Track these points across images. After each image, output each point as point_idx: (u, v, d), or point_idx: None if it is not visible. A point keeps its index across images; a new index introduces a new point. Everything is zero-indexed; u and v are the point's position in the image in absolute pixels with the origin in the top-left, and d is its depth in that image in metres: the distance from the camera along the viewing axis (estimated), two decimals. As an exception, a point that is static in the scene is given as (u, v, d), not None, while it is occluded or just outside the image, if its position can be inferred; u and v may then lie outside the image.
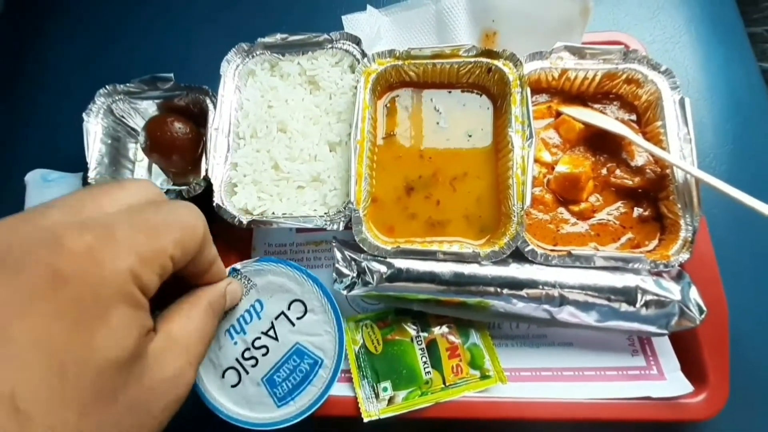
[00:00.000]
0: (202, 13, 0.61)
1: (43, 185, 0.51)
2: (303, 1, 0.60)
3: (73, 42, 0.62)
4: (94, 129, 0.48)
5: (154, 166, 0.52)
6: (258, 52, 0.49)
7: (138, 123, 0.52)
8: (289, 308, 0.37)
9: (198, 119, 0.48)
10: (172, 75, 0.48)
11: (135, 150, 0.53)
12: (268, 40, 0.49)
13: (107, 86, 0.49)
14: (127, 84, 0.49)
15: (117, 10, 0.63)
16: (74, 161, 0.47)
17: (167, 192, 0.45)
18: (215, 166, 0.45)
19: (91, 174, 0.47)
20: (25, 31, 0.64)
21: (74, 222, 0.18)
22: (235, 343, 0.36)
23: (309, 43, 0.49)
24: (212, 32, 0.59)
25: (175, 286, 0.25)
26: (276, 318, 0.37)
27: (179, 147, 0.47)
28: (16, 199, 0.51)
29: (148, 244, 0.19)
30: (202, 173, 0.45)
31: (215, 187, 0.44)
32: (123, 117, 0.51)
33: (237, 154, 0.46)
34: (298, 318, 0.37)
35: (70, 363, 0.15)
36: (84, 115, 0.48)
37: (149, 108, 0.51)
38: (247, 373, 0.36)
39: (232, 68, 0.49)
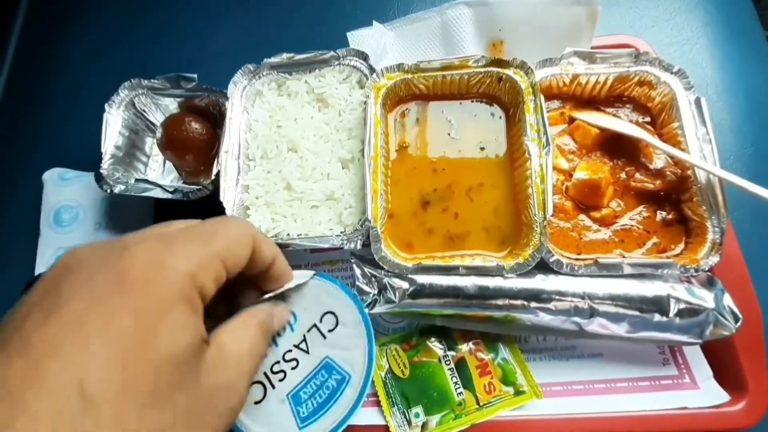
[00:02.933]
0: (230, 20, 0.62)
1: (60, 184, 0.52)
2: (306, 20, 0.60)
3: (94, 44, 0.62)
4: (114, 120, 0.49)
5: (168, 163, 0.52)
6: (264, 73, 0.49)
7: (158, 118, 0.52)
8: (321, 320, 0.36)
9: (216, 121, 0.49)
10: (195, 75, 0.49)
11: (152, 144, 0.53)
12: (274, 60, 0.49)
13: (132, 80, 0.50)
14: (152, 80, 0.50)
15: (141, 12, 0.64)
16: (91, 161, 0.47)
17: (175, 191, 0.46)
18: (227, 189, 0.44)
19: (104, 166, 0.47)
20: (47, 33, 0.64)
21: (138, 234, 0.20)
22: (265, 355, 0.35)
23: (315, 60, 0.48)
24: (236, 38, 0.60)
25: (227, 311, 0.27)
26: (308, 330, 0.36)
27: (194, 147, 0.47)
28: (33, 198, 0.52)
29: (202, 250, 0.21)
30: (212, 175, 0.45)
31: (228, 211, 0.43)
32: (144, 111, 0.52)
33: (248, 176, 0.46)
34: (329, 330, 0.35)
35: (134, 356, 0.16)
36: (106, 105, 0.48)
37: (170, 105, 0.52)
38: (274, 387, 0.35)
39: (239, 89, 0.48)
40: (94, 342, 0.16)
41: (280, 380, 0.35)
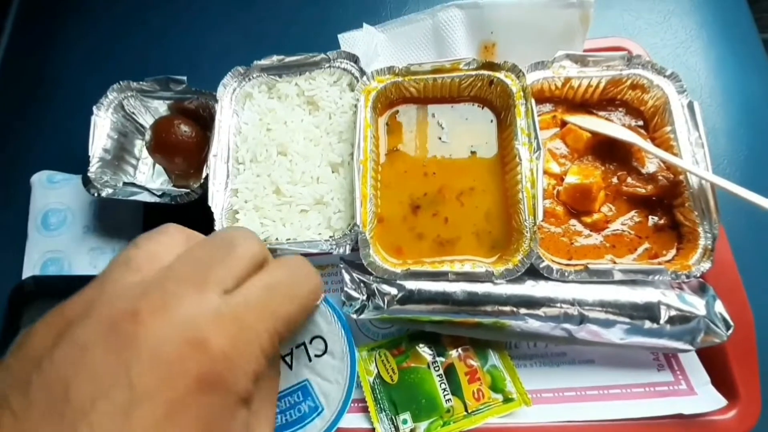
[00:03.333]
0: (220, 22, 0.62)
1: (48, 187, 0.51)
2: (297, 22, 0.60)
3: (82, 47, 0.62)
4: (102, 123, 0.48)
5: (157, 166, 0.52)
6: (254, 75, 0.49)
7: (147, 121, 0.52)
8: (311, 342, 0.35)
9: (206, 124, 0.49)
10: (185, 78, 0.48)
11: (141, 147, 0.53)
12: (264, 62, 0.48)
13: (121, 82, 0.49)
14: (141, 82, 0.49)
15: (130, 15, 0.63)
16: (80, 164, 0.47)
17: (163, 195, 0.45)
18: (215, 193, 0.44)
19: (92, 169, 0.46)
20: (36, 36, 0.64)
21: (211, 316, 0.17)
22: None
23: (306, 63, 0.48)
24: (227, 40, 0.60)
25: None
26: (297, 347, 0.35)
27: (183, 149, 0.47)
28: (21, 200, 0.51)
29: (270, 337, 0.18)
30: (202, 178, 0.44)
31: (216, 215, 0.43)
32: (133, 113, 0.51)
33: (237, 179, 0.45)
34: (316, 355, 0.35)
35: None
36: (94, 108, 0.48)
37: (160, 107, 0.52)
38: None
39: (228, 92, 0.48)
40: None
41: None
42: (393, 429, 0.37)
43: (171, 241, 0.20)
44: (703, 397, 0.37)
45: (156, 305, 0.17)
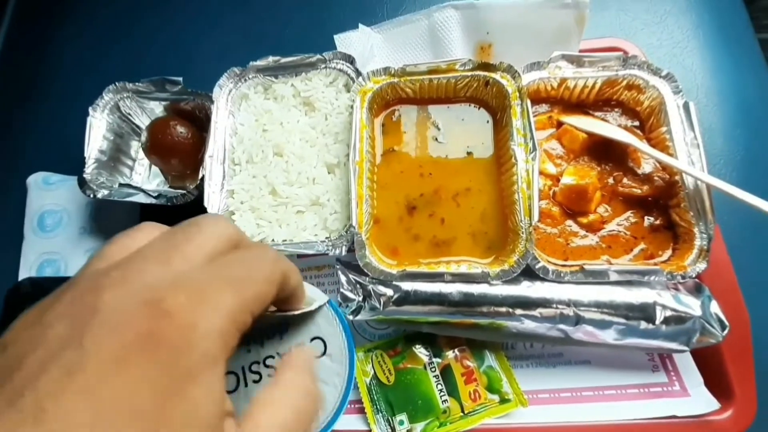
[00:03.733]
0: (217, 23, 0.61)
1: (44, 188, 0.51)
2: (293, 23, 0.60)
3: (78, 48, 0.62)
4: (98, 124, 0.48)
5: (154, 167, 0.52)
6: (250, 76, 0.48)
7: (143, 122, 0.52)
8: (310, 342, 0.35)
9: (202, 124, 0.49)
10: (181, 79, 0.48)
11: (137, 148, 0.53)
12: (260, 63, 0.48)
13: (117, 83, 0.49)
14: (137, 83, 0.49)
15: (126, 15, 0.63)
16: (76, 165, 0.47)
17: (159, 196, 0.45)
18: (211, 194, 0.44)
19: (88, 170, 0.46)
20: (33, 34, 0.64)
21: (169, 281, 0.17)
22: (249, 350, 0.34)
23: (302, 64, 0.48)
24: (223, 41, 0.60)
25: None
26: (296, 345, 0.35)
27: (179, 151, 0.47)
28: (17, 202, 0.51)
29: (235, 301, 0.18)
30: (199, 179, 0.44)
31: (212, 217, 0.43)
32: (129, 114, 0.51)
33: (233, 180, 0.45)
34: (315, 357, 0.35)
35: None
36: (90, 109, 0.48)
37: (156, 108, 0.52)
38: (246, 385, 0.34)
39: (224, 93, 0.48)
40: (111, 423, 0.14)
41: (254, 381, 0.34)
42: (389, 430, 0.37)
43: (144, 236, 0.20)
44: (696, 399, 0.37)
45: (117, 280, 0.17)
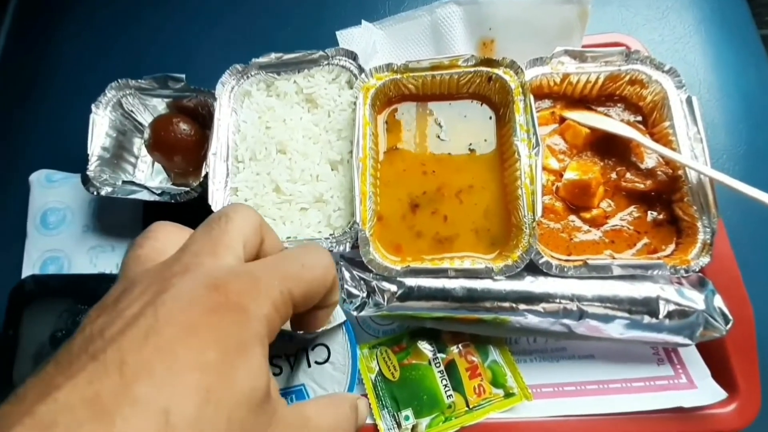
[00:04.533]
0: (219, 20, 0.61)
1: (47, 185, 0.51)
2: (295, 19, 0.60)
3: (81, 45, 0.62)
4: (101, 121, 0.48)
5: (157, 164, 0.52)
6: (253, 73, 0.48)
7: (146, 119, 0.52)
8: (313, 349, 0.35)
9: (205, 122, 0.48)
10: (183, 76, 0.48)
11: (140, 145, 0.53)
12: (262, 60, 0.48)
13: (119, 80, 0.49)
14: (139, 80, 0.49)
15: (128, 12, 0.63)
16: (79, 162, 0.47)
17: (162, 194, 0.45)
18: (215, 191, 0.44)
19: (91, 168, 0.46)
20: (35, 32, 0.64)
21: (226, 270, 0.20)
22: None
23: (304, 60, 0.48)
24: (225, 37, 0.60)
25: None
26: (301, 349, 0.35)
27: (182, 148, 0.47)
28: (20, 199, 0.51)
29: (282, 295, 0.21)
30: (202, 177, 0.44)
31: (216, 214, 0.43)
32: (132, 111, 0.51)
33: (237, 178, 0.45)
34: (317, 362, 0.35)
35: (216, 393, 0.17)
36: (92, 106, 0.48)
37: (158, 105, 0.52)
38: None
39: (227, 90, 0.48)
40: (183, 373, 0.16)
41: None
42: (395, 425, 0.37)
43: (166, 235, 0.22)
44: (704, 391, 0.37)
45: (180, 270, 0.19)
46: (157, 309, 0.17)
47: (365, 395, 0.39)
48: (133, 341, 0.16)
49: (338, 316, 0.34)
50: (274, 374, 0.34)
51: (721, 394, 0.37)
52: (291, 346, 0.35)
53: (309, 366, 0.35)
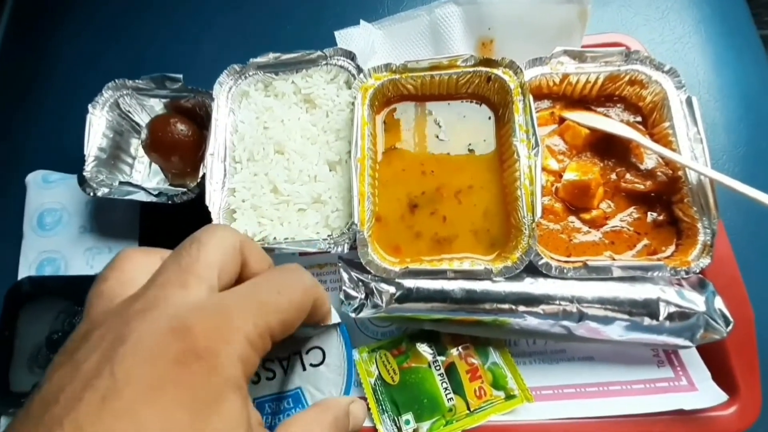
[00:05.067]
0: (217, 20, 0.61)
1: (43, 186, 0.51)
2: (293, 19, 0.59)
3: (78, 45, 0.61)
4: (98, 121, 0.48)
5: (154, 165, 0.52)
6: (251, 73, 0.48)
7: (143, 119, 0.51)
8: (307, 353, 0.35)
9: (203, 122, 0.48)
10: (181, 76, 0.48)
11: (137, 146, 0.52)
12: (260, 60, 0.48)
13: (116, 80, 0.49)
14: (137, 80, 0.49)
15: (126, 13, 0.63)
16: (75, 162, 0.47)
17: (159, 195, 0.45)
18: (212, 192, 0.43)
19: (88, 168, 0.46)
20: (32, 31, 0.63)
21: (191, 306, 0.18)
22: None
23: (303, 60, 0.48)
24: (223, 37, 0.59)
25: None
26: (294, 353, 0.35)
27: (180, 148, 0.46)
28: (16, 201, 0.51)
29: (258, 327, 0.19)
30: (199, 178, 0.44)
31: (213, 215, 0.43)
32: (129, 112, 0.51)
33: (234, 179, 0.45)
34: (312, 365, 0.34)
35: None
36: (89, 106, 0.48)
37: (156, 106, 0.51)
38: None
39: (224, 90, 0.47)
40: None
41: (254, 382, 0.34)
42: (395, 430, 0.37)
43: (134, 264, 0.21)
44: (704, 393, 0.37)
45: (141, 311, 0.17)
46: (115, 367, 0.16)
47: (364, 398, 0.39)
48: (90, 407, 0.15)
49: (333, 318, 0.34)
50: (268, 378, 0.34)
51: (722, 396, 0.37)
52: (284, 349, 0.34)
53: (304, 369, 0.34)
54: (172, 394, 0.16)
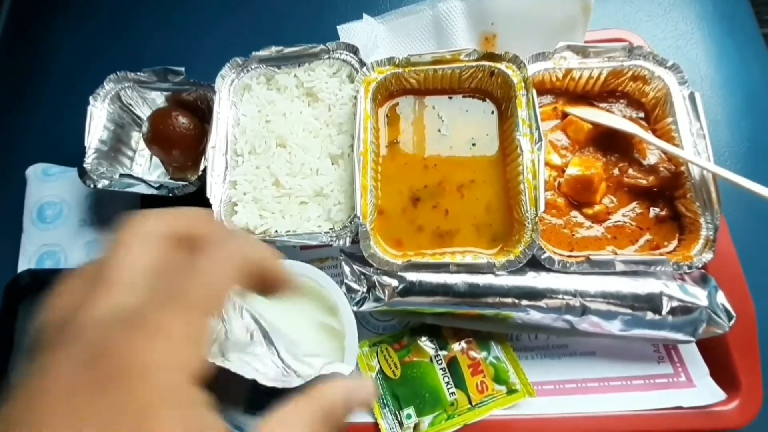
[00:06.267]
0: (219, 13, 0.61)
1: (43, 179, 0.50)
2: (296, 13, 0.59)
3: (79, 37, 0.61)
4: (99, 114, 0.48)
5: (155, 158, 0.51)
6: (253, 66, 0.48)
7: (145, 112, 0.51)
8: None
9: (204, 115, 0.48)
10: (183, 69, 0.48)
11: (138, 138, 0.52)
12: (262, 53, 0.48)
13: (118, 72, 0.49)
14: (138, 73, 0.49)
15: (128, 5, 0.62)
16: (76, 156, 0.46)
17: (160, 187, 0.44)
18: (214, 185, 0.43)
19: (88, 160, 0.46)
20: (33, 23, 0.63)
21: (109, 320, 0.16)
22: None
23: (305, 54, 0.47)
24: (226, 30, 0.59)
25: None
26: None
27: (181, 142, 0.46)
28: (17, 194, 0.50)
29: (186, 330, 0.16)
30: (200, 171, 0.44)
31: (215, 208, 0.43)
32: (130, 104, 0.50)
33: (236, 171, 0.45)
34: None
35: None
36: (90, 98, 0.47)
37: (157, 99, 0.51)
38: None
39: (226, 83, 0.47)
40: None
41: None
42: (397, 424, 0.37)
43: (71, 288, 0.18)
44: (702, 390, 0.37)
45: (54, 334, 0.16)
46: (35, 406, 0.14)
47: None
48: None
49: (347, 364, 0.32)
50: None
51: (720, 395, 0.37)
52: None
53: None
54: (94, 420, 0.14)
